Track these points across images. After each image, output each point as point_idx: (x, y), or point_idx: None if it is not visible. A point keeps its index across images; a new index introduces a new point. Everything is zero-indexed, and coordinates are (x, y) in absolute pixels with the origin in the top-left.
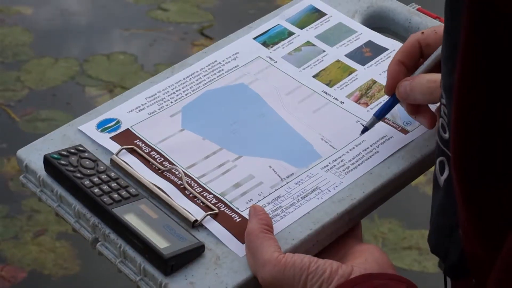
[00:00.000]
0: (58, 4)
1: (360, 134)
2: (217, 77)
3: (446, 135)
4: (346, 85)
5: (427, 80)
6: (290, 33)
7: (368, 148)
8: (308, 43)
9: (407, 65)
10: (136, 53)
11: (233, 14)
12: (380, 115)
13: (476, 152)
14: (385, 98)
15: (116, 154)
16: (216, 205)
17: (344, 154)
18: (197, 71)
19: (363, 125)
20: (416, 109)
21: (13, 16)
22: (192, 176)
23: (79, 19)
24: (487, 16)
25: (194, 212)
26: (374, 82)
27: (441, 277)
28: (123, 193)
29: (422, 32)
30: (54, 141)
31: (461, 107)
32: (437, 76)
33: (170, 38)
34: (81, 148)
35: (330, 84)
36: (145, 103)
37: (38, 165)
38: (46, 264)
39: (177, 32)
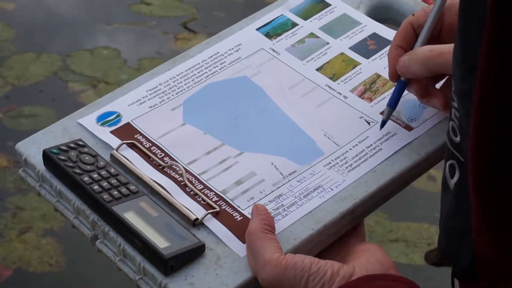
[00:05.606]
0: None
1: (381, 129)
2: (219, 69)
3: (457, 139)
4: (350, 79)
5: (422, 50)
6: (294, 24)
7: (371, 145)
8: (312, 35)
9: (405, 48)
10: (119, 48)
11: (216, 7)
12: (393, 104)
13: (496, 156)
14: (389, 93)
15: (116, 149)
16: (217, 203)
17: (347, 151)
18: (199, 63)
19: (366, 121)
20: (426, 92)
21: None
22: (193, 173)
23: (61, 14)
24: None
25: (195, 210)
26: (379, 76)
27: (429, 268)
28: (123, 190)
29: (413, 14)
30: (54, 134)
31: (483, 112)
32: (432, 46)
33: (153, 32)
34: (81, 143)
35: (333, 77)
36: (146, 96)
37: (37, 159)
38: (31, 262)
39: (160, 26)
